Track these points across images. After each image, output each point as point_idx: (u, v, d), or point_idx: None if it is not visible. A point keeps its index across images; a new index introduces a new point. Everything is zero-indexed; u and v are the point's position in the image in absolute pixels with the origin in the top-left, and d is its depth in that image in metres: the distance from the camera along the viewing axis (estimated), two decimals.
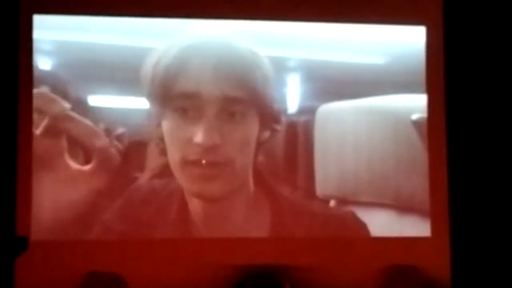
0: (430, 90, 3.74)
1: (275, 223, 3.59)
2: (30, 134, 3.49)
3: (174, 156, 3.47)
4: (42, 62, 3.57)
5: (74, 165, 3.54)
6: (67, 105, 3.53)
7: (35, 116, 3.52)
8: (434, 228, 3.67)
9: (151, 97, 3.48)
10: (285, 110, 3.65)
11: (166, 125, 3.46)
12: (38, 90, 3.53)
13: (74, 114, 3.54)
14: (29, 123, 3.50)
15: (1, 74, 3.50)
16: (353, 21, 3.73)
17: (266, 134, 3.54)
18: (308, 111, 3.68)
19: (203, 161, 3.42)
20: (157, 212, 3.53)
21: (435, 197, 3.68)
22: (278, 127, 3.59)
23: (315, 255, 3.61)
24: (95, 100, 3.61)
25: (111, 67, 3.60)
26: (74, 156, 3.55)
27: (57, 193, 3.52)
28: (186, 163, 3.44)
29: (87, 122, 3.55)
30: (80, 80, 3.58)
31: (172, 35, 3.57)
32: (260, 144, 3.53)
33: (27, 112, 3.50)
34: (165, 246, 3.53)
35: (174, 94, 3.43)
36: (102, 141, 3.56)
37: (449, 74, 3.75)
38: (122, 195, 3.54)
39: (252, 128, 3.48)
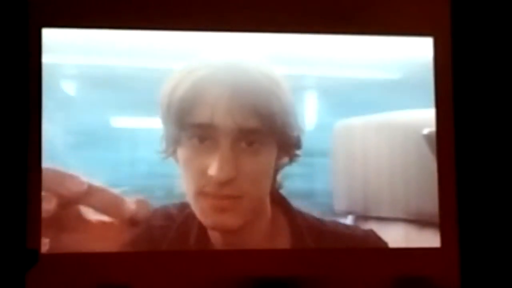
0: (439, 102, 3.75)
1: (294, 244, 3.57)
2: (39, 145, 3.47)
3: (188, 186, 3.44)
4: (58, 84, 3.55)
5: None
6: (84, 183, 3.41)
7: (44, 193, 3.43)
8: (443, 239, 3.68)
9: (167, 124, 3.45)
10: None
11: (181, 153, 3.42)
12: (47, 169, 3.45)
13: (93, 188, 3.43)
14: (39, 135, 3.48)
15: (12, 85, 3.49)
16: (359, 32, 3.72)
17: (285, 160, 3.49)
18: (323, 128, 3.64)
19: (217, 194, 3.37)
20: (175, 241, 3.50)
21: (445, 208, 3.69)
22: (298, 152, 3.51)
23: (325, 266, 3.60)
24: (117, 122, 3.60)
25: (131, 88, 3.55)
26: None
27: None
28: (200, 194, 3.40)
29: (109, 192, 3.45)
30: (100, 103, 3.54)
31: (188, 54, 3.56)
32: (278, 170, 3.48)
33: (37, 122, 3.49)
34: (176, 258, 3.52)
35: (189, 124, 3.39)
36: (130, 209, 3.48)
37: (457, 85, 3.76)
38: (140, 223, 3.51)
39: (270, 158, 3.43)
